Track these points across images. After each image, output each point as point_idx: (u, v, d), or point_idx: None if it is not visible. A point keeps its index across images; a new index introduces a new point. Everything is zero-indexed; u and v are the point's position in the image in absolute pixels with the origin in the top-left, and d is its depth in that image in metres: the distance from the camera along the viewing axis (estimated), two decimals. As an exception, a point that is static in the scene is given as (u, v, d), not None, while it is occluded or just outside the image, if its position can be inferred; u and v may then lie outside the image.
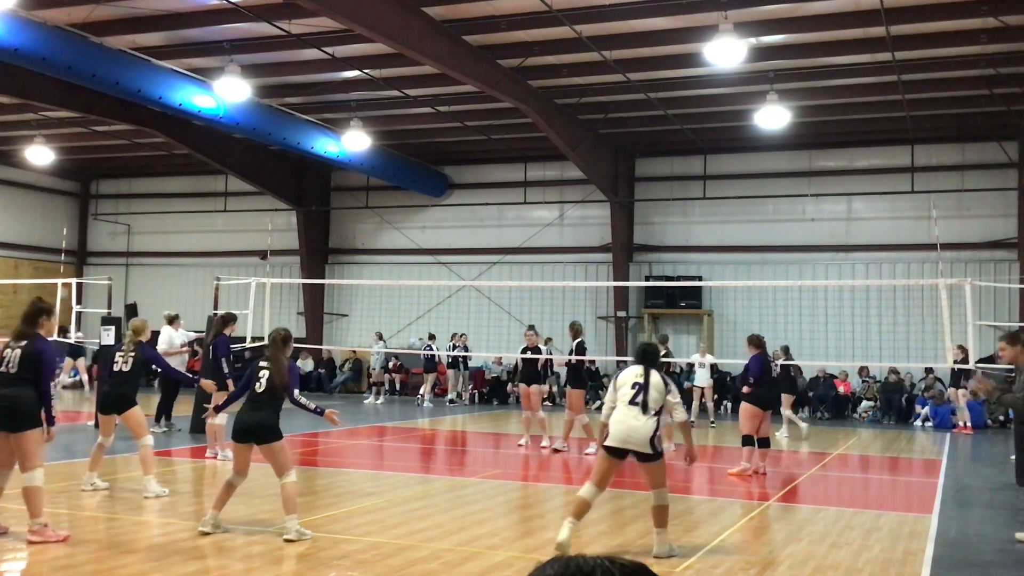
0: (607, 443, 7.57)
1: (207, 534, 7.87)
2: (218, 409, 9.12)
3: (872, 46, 16.82)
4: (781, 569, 7.31)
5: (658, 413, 7.57)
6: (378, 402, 23.50)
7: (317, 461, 13.40)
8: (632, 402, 7.54)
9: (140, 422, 9.82)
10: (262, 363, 8.13)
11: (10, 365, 7.61)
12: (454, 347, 23.48)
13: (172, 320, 16.35)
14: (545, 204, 26.32)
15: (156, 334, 16.37)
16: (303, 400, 8.19)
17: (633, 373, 7.69)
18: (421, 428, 18.43)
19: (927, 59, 17.69)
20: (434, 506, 9.69)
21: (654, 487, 7.56)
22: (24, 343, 7.69)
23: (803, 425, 17.27)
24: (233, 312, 13.48)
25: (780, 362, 16.81)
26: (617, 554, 2.06)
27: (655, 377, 7.66)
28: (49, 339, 8.01)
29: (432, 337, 24.09)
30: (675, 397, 7.73)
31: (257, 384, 8.03)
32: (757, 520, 9.50)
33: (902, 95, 19.11)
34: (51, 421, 7.63)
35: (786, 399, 17.09)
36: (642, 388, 7.57)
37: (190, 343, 17.38)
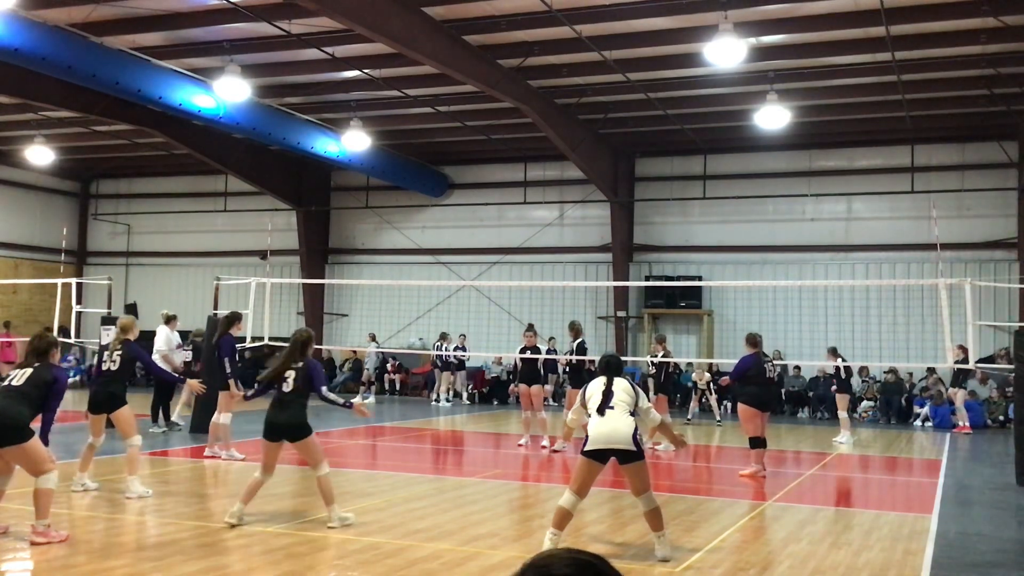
0: (588, 447, 7.44)
1: (234, 526, 8.12)
2: (247, 398, 9.21)
3: (872, 46, 16.82)
4: (781, 569, 7.31)
5: (633, 414, 7.54)
6: (367, 400, 23.44)
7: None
8: (604, 408, 7.47)
9: (130, 422, 9.75)
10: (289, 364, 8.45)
11: (14, 381, 7.64)
12: (456, 348, 23.48)
13: (169, 320, 16.35)
14: (545, 204, 26.31)
15: (154, 333, 16.44)
16: (332, 396, 8.62)
17: (600, 383, 7.68)
18: (420, 428, 18.43)
19: (927, 59, 17.69)
20: (434, 506, 9.68)
21: (640, 491, 7.44)
22: (38, 364, 7.74)
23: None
24: (238, 311, 13.47)
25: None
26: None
27: (621, 383, 7.66)
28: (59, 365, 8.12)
29: (443, 337, 24.02)
30: (645, 403, 7.74)
31: (284, 384, 8.31)
32: (757, 520, 9.50)
33: (902, 95, 19.11)
34: (44, 443, 7.64)
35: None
36: (610, 395, 7.54)
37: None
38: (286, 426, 8.26)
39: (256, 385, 8.93)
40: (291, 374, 8.35)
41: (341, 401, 8.78)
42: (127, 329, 10.22)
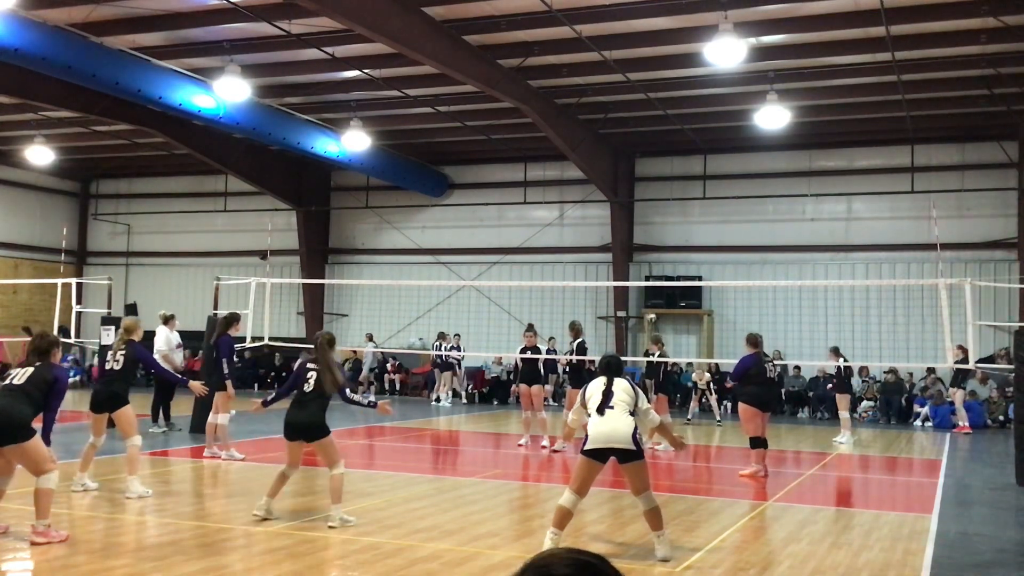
0: (588, 447, 7.45)
1: (260, 517, 8.38)
2: (266, 404, 9.20)
3: (872, 46, 16.82)
4: (781, 569, 7.31)
5: (633, 413, 7.55)
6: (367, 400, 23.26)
7: (317, 461, 13.37)
8: (604, 408, 7.48)
9: (131, 421, 9.78)
10: (309, 364, 8.60)
11: (15, 380, 7.62)
12: (451, 348, 23.45)
13: (168, 320, 16.35)
14: (545, 204, 26.32)
15: (153, 334, 16.42)
16: (356, 397, 8.86)
17: (600, 383, 7.70)
18: (420, 428, 18.43)
19: (927, 59, 17.69)
20: (434, 506, 9.68)
21: (640, 491, 7.45)
22: (39, 364, 7.72)
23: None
24: (237, 312, 13.48)
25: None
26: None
27: (621, 383, 7.67)
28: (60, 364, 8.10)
29: (442, 337, 23.99)
30: (645, 403, 7.74)
31: (305, 384, 8.48)
32: (757, 520, 9.50)
33: (902, 95, 19.11)
34: (47, 444, 7.62)
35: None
36: (609, 395, 7.55)
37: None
38: (304, 426, 8.37)
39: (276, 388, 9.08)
40: (313, 375, 8.50)
41: (365, 401, 9.01)
42: (131, 330, 10.29)
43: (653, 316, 23.22)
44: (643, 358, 18.54)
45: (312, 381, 8.48)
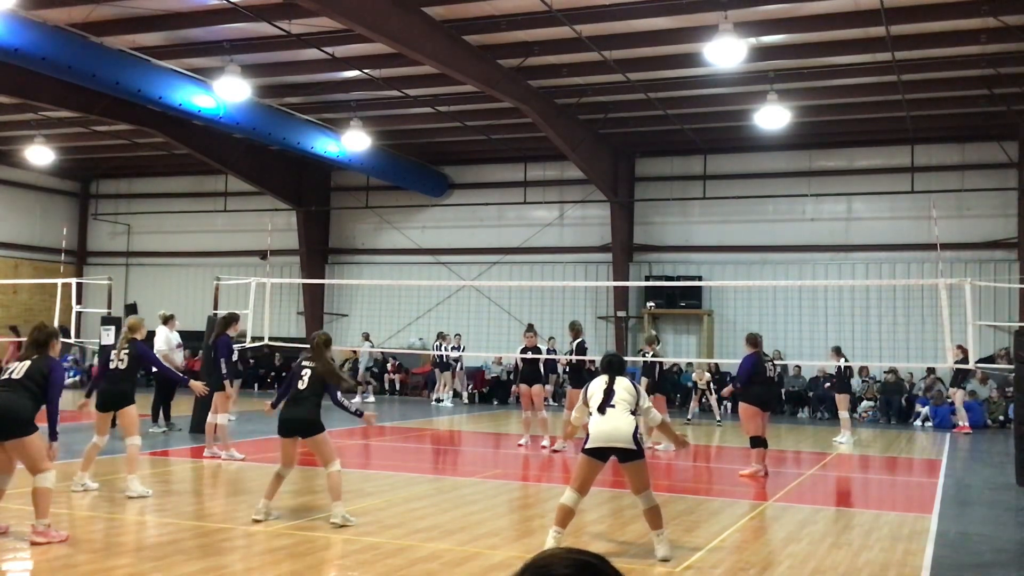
0: (589, 445, 7.48)
1: (259, 521, 8.34)
2: (274, 406, 9.21)
3: (872, 46, 16.82)
4: (781, 569, 7.31)
5: (634, 412, 7.56)
6: (365, 400, 23.31)
7: (316, 461, 13.36)
8: (605, 407, 7.50)
9: (133, 421, 9.82)
10: (305, 363, 8.71)
11: (14, 374, 7.62)
12: (451, 348, 23.44)
13: (167, 320, 16.35)
14: (545, 204, 26.32)
15: (152, 334, 16.42)
16: (344, 401, 8.86)
17: (601, 381, 7.71)
18: (420, 428, 18.43)
19: (927, 59, 17.69)
20: (434, 506, 9.68)
21: (640, 490, 7.47)
22: (36, 357, 7.72)
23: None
24: (236, 312, 13.49)
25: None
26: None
27: (623, 382, 7.69)
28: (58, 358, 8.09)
29: (442, 337, 23.98)
30: (646, 402, 7.76)
31: (299, 382, 8.58)
32: (757, 520, 9.49)
33: (902, 95, 19.11)
34: (54, 437, 7.59)
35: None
36: (611, 393, 7.57)
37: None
38: (298, 422, 8.43)
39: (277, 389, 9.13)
40: (307, 373, 8.59)
41: (353, 409, 9.05)
42: (135, 329, 10.35)
43: (651, 304, 23.60)
44: (639, 358, 18.49)
45: (306, 379, 8.55)
